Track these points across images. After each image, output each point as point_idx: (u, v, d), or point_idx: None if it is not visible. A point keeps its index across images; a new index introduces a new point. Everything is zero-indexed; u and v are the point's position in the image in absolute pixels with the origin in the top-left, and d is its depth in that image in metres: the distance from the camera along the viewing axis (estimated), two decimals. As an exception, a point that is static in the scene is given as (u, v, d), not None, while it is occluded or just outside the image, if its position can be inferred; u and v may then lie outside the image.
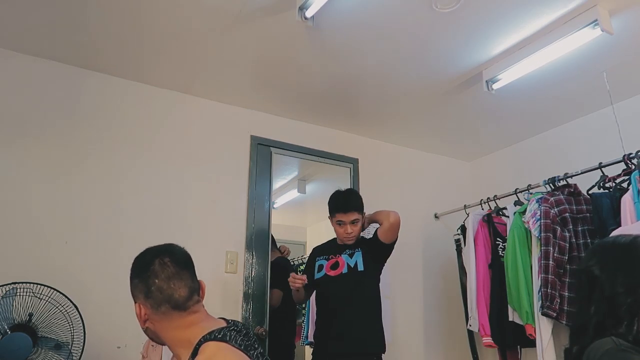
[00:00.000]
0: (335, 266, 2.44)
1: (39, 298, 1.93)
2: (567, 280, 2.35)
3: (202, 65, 2.57)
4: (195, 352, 1.10)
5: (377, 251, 2.45)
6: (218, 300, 2.62)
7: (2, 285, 1.91)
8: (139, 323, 1.21)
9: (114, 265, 2.41)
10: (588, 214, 2.48)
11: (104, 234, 2.44)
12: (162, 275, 1.20)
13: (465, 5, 2.08)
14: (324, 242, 2.64)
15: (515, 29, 2.26)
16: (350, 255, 2.45)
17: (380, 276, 2.53)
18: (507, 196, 3.05)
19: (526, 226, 2.55)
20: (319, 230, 3.66)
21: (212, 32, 2.29)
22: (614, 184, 2.41)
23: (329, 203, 2.49)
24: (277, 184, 3.12)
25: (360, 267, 2.40)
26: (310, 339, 2.79)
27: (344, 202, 2.45)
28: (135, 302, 1.21)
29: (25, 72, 2.44)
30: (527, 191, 2.82)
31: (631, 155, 2.31)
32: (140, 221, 2.54)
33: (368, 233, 2.58)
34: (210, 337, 1.11)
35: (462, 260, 3.17)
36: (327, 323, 2.37)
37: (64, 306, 1.95)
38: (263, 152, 3.02)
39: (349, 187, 3.24)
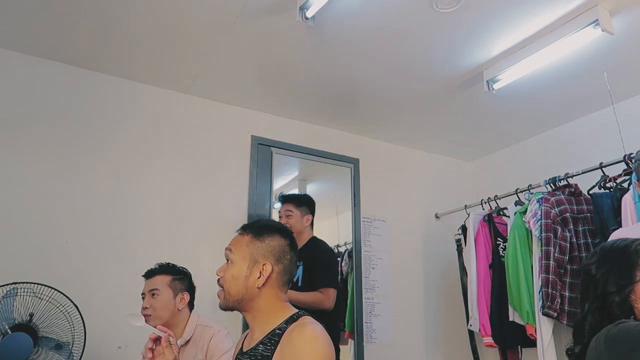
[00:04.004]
0: None
1: (39, 298, 1.93)
2: (568, 280, 2.35)
3: (202, 65, 2.57)
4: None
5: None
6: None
7: (3, 285, 1.91)
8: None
9: (114, 265, 2.41)
10: (589, 214, 2.48)
11: (105, 234, 2.44)
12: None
13: (466, 5, 2.08)
14: None
15: (516, 29, 2.26)
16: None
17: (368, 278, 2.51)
18: (507, 196, 3.05)
19: (527, 226, 2.55)
20: (320, 230, 3.65)
21: (212, 32, 2.29)
22: (614, 184, 2.41)
23: None
24: (277, 184, 3.11)
25: (300, 283, 2.37)
26: None
27: (283, 195, 2.72)
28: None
29: (25, 72, 2.44)
30: (527, 191, 2.82)
31: (632, 155, 2.31)
32: (140, 221, 2.54)
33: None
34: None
35: (463, 260, 3.17)
36: None
37: (65, 306, 1.95)
38: (264, 152, 3.02)
39: (349, 187, 3.27)
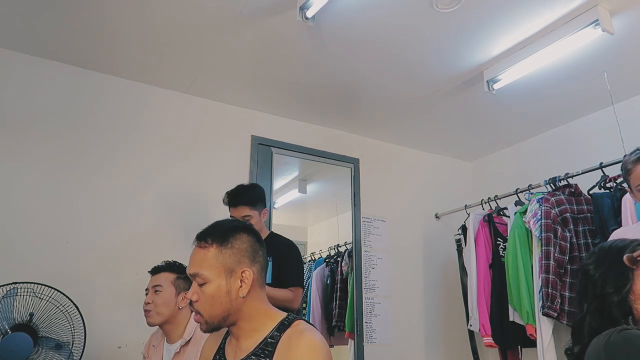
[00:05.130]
0: None
1: (39, 298, 1.94)
2: (568, 280, 2.35)
3: (202, 65, 2.57)
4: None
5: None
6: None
7: (3, 285, 1.91)
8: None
9: (114, 265, 2.41)
10: (589, 214, 2.48)
11: (105, 234, 2.44)
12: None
13: (466, 5, 2.08)
14: None
15: (516, 29, 2.26)
16: None
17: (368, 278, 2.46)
18: (507, 196, 3.05)
19: (527, 226, 2.55)
20: (320, 230, 3.67)
21: (212, 32, 2.29)
22: (614, 184, 2.41)
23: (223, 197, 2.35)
24: (277, 184, 3.12)
25: (269, 279, 2.22)
26: None
27: (233, 196, 2.31)
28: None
29: (26, 72, 2.44)
30: (527, 191, 2.82)
31: (631, 156, 2.31)
32: (140, 221, 2.54)
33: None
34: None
35: (463, 260, 3.17)
36: None
37: (65, 306, 1.96)
38: (264, 152, 3.02)
39: (349, 187, 3.28)
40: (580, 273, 1.41)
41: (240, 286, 1.13)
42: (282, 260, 2.29)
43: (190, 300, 1.13)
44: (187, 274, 1.16)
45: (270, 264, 2.25)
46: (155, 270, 1.95)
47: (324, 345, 1.07)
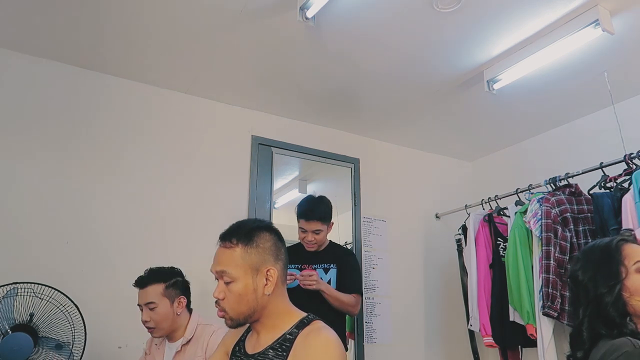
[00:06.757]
0: None
1: (40, 298, 1.93)
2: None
3: (202, 65, 2.57)
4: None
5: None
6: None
7: (3, 285, 1.91)
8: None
9: (114, 265, 2.41)
10: (589, 214, 2.48)
11: (105, 233, 2.44)
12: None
13: (466, 5, 2.08)
14: (290, 245, 2.54)
15: (516, 29, 2.26)
16: (326, 271, 2.42)
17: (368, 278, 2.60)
18: (508, 196, 3.05)
19: (527, 226, 2.55)
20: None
21: (212, 32, 2.29)
22: (615, 184, 2.41)
23: (297, 207, 2.46)
24: (278, 184, 3.11)
25: (333, 286, 2.37)
26: None
27: (308, 211, 2.39)
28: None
29: (25, 72, 2.44)
30: (528, 191, 2.82)
31: (632, 155, 2.31)
32: (140, 221, 2.54)
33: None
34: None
35: (463, 260, 3.17)
36: None
37: (65, 306, 1.95)
38: (264, 152, 3.02)
39: (350, 187, 3.29)
40: (569, 281, 1.40)
41: (266, 284, 1.17)
42: (344, 268, 2.44)
43: (217, 299, 1.17)
44: (212, 272, 1.20)
45: (334, 271, 2.41)
46: (141, 284, 1.88)
47: (339, 343, 1.10)
